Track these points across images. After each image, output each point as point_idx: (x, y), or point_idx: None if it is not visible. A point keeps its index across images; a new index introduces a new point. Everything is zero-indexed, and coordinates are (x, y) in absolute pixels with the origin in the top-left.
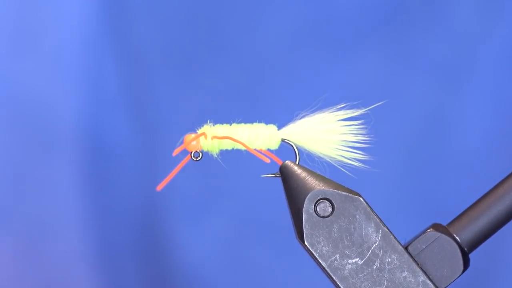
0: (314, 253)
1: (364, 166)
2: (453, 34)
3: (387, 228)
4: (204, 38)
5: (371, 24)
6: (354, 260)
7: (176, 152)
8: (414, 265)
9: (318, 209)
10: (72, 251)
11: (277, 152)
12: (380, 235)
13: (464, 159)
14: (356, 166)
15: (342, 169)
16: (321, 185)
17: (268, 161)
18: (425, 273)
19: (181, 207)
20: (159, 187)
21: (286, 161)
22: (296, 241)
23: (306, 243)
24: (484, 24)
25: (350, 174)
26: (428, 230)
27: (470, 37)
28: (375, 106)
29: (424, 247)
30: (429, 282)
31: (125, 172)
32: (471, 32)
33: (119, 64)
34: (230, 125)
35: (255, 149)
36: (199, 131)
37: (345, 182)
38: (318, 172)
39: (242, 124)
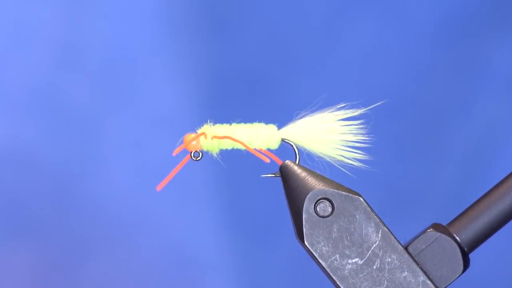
0: (314, 253)
1: (364, 166)
2: None
3: (387, 228)
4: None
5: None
6: (354, 260)
7: (176, 152)
8: (414, 265)
9: (318, 209)
10: (137, 263)
11: (277, 152)
12: (380, 235)
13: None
14: (356, 166)
15: (342, 169)
16: (321, 184)
17: (268, 160)
18: (425, 273)
19: (254, 226)
20: (158, 188)
21: (286, 161)
22: None
23: (306, 243)
24: None
25: (350, 174)
26: (428, 230)
27: None
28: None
29: (424, 247)
30: (429, 282)
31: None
32: None
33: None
34: (230, 124)
35: (255, 149)
36: (199, 131)
37: (345, 182)
38: (318, 172)
39: (242, 124)
